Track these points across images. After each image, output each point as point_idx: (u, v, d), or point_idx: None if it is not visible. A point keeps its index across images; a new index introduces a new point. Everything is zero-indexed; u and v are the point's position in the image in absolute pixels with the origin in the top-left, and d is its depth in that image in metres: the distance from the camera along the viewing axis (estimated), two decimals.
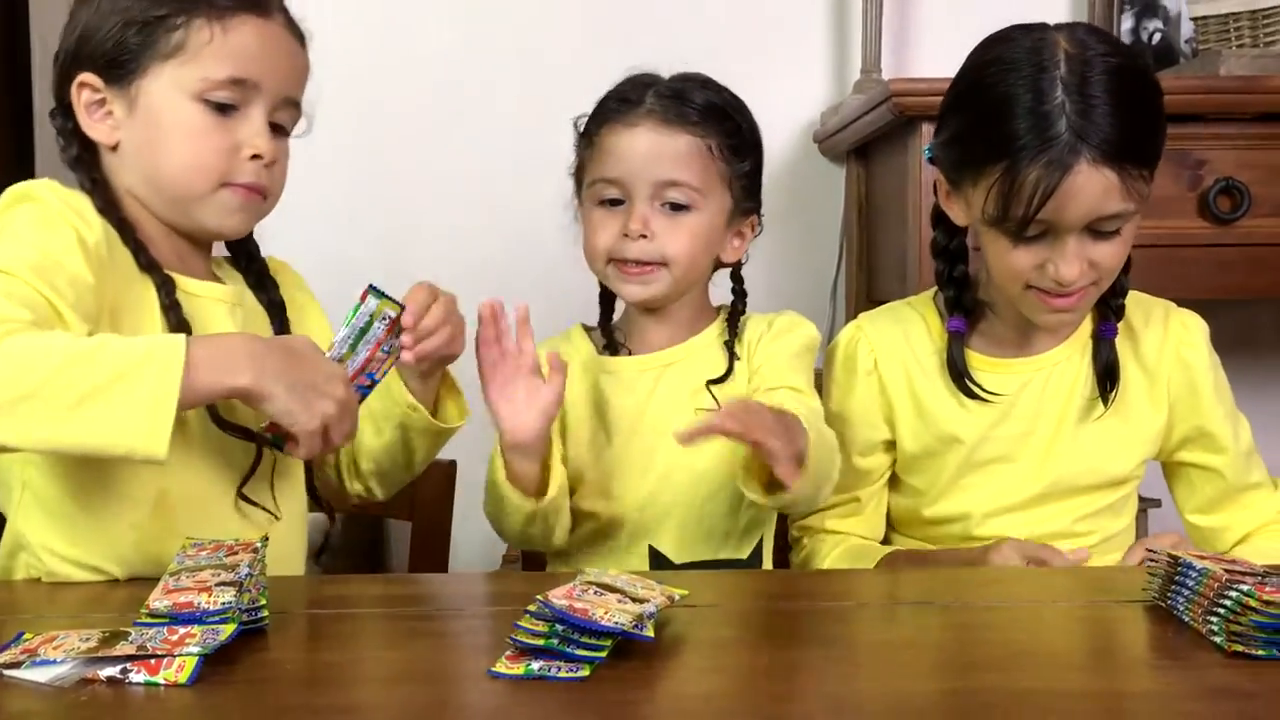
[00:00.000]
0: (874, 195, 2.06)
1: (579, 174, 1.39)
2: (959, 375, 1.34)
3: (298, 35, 1.23)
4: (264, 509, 1.20)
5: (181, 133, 1.15)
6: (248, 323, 1.22)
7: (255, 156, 1.16)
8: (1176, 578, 0.98)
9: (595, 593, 0.91)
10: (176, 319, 1.13)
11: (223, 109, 1.15)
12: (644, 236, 1.31)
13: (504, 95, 2.16)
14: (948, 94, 1.32)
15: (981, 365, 1.36)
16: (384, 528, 1.96)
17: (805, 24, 2.17)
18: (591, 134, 1.36)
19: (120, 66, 1.15)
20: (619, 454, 1.36)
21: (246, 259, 1.29)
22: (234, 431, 1.15)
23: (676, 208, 1.32)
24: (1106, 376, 1.33)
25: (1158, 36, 2.07)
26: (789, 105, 2.15)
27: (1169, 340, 1.37)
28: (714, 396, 1.33)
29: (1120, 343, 1.35)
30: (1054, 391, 1.35)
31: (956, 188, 1.30)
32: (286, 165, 1.23)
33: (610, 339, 1.41)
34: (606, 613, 0.86)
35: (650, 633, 0.87)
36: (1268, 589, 0.88)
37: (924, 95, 1.65)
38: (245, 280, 1.28)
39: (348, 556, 1.90)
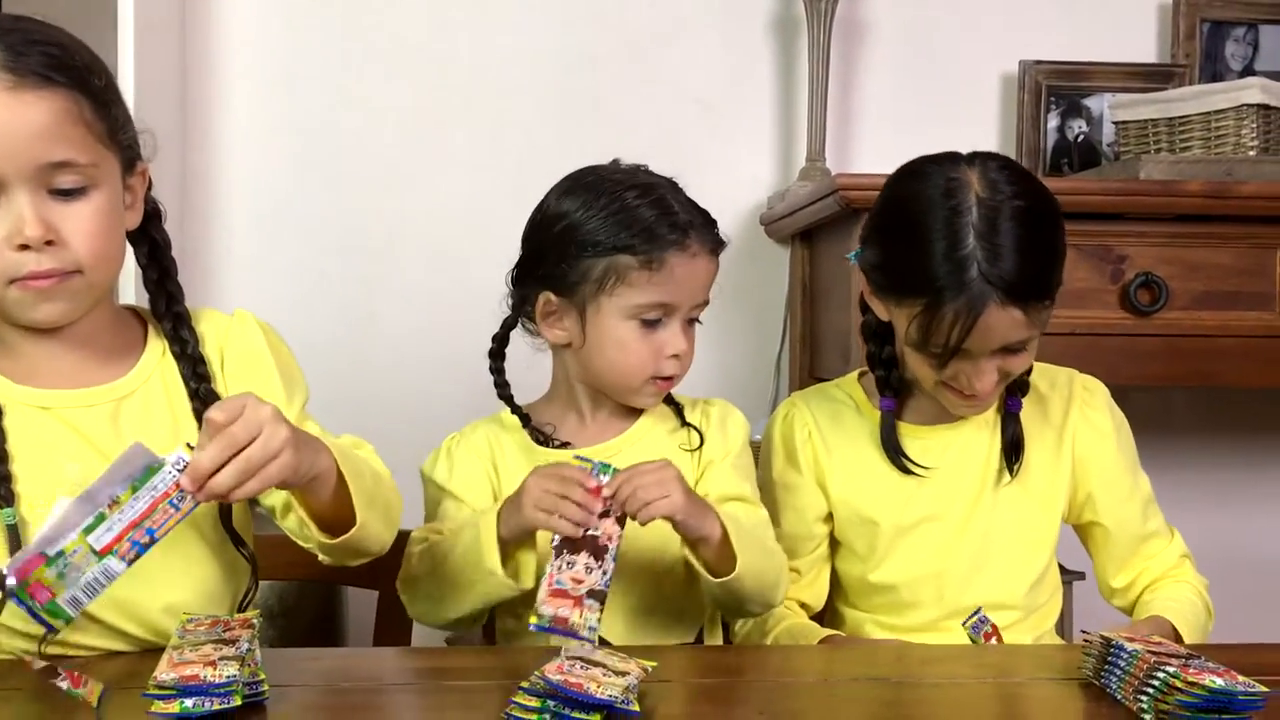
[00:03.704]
0: (817, 278, 2.16)
1: None
2: (895, 453, 1.45)
3: (37, 83, 1.06)
4: None
5: None
6: (117, 420, 1.17)
7: (23, 247, 1.08)
8: (1109, 658, 1.07)
9: (582, 667, 0.99)
10: None
11: None
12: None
13: (465, 160, 2.24)
14: (871, 216, 1.44)
15: (909, 433, 1.47)
16: (340, 595, 1.99)
17: (753, 113, 2.28)
18: None
19: None
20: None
21: (167, 303, 1.23)
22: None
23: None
24: (1012, 449, 1.45)
25: (1081, 136, 2.22)
26: (738, 189, 2.26)
27: (1074, 402, 1.49)
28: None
29: (1029, 405, 1.47)
30: (970, 456, 1.46)
31: (879, 297, 1.41)
32: (98, 223, 1.11)
33: (535, 429, 1.41)
34: (598, 686, 0.94)
35: (636, 707, 0.95)
36: (1191, 670, 0.98)
37: (867, 190, 1.76)
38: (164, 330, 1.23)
39: (300, 622, 1.91)
